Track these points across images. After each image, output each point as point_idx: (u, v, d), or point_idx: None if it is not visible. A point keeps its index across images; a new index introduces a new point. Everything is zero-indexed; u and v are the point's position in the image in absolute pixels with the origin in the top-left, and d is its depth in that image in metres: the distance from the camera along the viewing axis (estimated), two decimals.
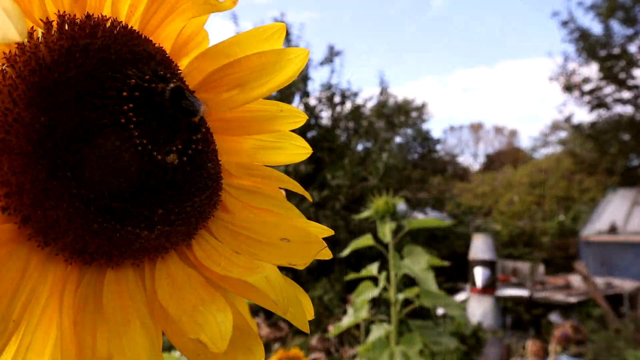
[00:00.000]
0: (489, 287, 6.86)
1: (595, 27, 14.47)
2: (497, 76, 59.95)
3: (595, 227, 9.85)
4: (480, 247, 7.01)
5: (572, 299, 7.20)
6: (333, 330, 2.49)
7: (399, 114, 11.16)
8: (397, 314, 2.51)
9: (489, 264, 6.87)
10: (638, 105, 14.57)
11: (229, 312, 0.28)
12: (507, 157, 26.67)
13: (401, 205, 10.45)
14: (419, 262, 2.35)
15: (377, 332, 2.42)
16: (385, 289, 2.45)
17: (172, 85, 0.32)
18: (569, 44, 14.62)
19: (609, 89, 14.68)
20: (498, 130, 32.44)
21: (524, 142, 48.87)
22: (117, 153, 0.30)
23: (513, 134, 32.32)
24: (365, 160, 8.54)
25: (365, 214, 2.57)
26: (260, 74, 0.40)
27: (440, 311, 7.31)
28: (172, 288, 0.31)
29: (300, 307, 0.32)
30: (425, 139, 13.00)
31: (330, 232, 0.41)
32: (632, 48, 14.47)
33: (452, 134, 31.95)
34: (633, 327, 6.69)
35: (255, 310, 4.36)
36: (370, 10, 60.56)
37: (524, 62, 61.55)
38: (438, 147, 18.23)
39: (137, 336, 0.27)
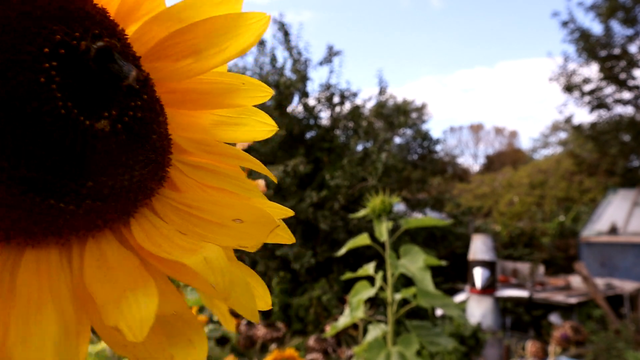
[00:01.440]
0: (489, 288, 6.82)
1: (596, 28, 14.48)
2: (497, 76, 60.00)
3: (596, 227, 9.82)
4: (479, 247, 6.97)
5: (572, 300, 7.16)
6: (329, 330, 2.46)
7: (398, 115, 11.13)
8: (394, 314, 2.47)
9: (488, 265, 6.83)
10: (638, 106, 14.55)
11: (155, 297, 0.24)
12: (507, 158, 26.63)
13: (400, 206, 10.41)
14: (415, 262, 2.32)
15: (374, 332, 2.38)
16: (382, 289, 2.41)
17: (100, 44, 0.28)
18: (569, 44, 14.59)
19: (609, 89, 14.67)
20: (498, 131, 32.43)
21: (524, 143, 48.89)
22: (37, 116, 0.26)
23: (513, 134, 32.29)
24: (365, 161, 8.51)
25: (362, 212, 2.54)
26: (217, 41, 0.36)
27: (439, 312, 7.28)
28: (101, 271, 0.27)
29: (247, 294, 0.28)
30: (424, 139, 12.96)
31: (290, 213, 0.37)
32: (632, 48, 14.46)
33: (452, 134, 31.94)
34: (633, 328, 6.66)
35: None
36: (369, 10, 60.62)
37: (523, 62, 61.60)
38: (438, 147, 18.19)
39: (47, 322, 0.23)
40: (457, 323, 6.42)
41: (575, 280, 8.19)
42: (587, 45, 14.32)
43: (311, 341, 3.97)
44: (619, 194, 10.77)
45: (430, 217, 2.65)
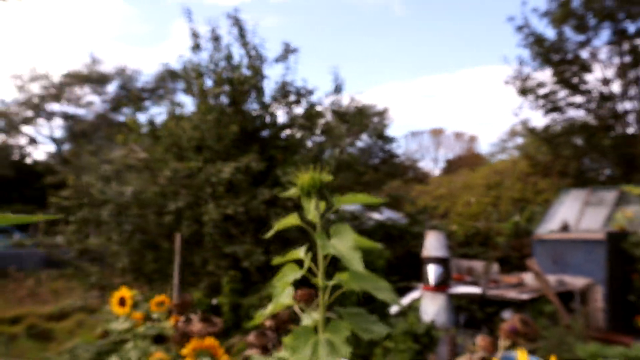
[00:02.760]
0: (442, 285, 6.75)
1: (549, 33, 14.78)
2: (458, 83, 61.03)
3: (549, 226, 9.93)
4: (432, 244, 6.90)
5: (525, 296, 7.17)
6: (255, 319, 2.28)
7: (360, 118, 11.07)
8: (326, 301, 2.29)
9: (441, 261, 6.76)
10: (590, 110, 14.93)
11: None
12: (466, 162, 27.01)
13: (357, 206, 10.32)
14: (345, 241, 2.16)
15: (307, 321, 2.22)
16: (312, 273, 2.23)
17: None
18: (523, 48, 14.87)
19: (562, 93, 15.00)
20: (458, 135, 32.92)
21: (484, 147, 49.84)
22: None
23: (473, 139, 32.84)
24: (319, 157, 8.37)
25: (291, 191, 2.37)
26: None
27: (394, 309, 7.18)
28: None
29: None
30: (380, 136, 12.93)
31: None
32: (584, 54, 14.85)
33: (413, 139, 32.24)
34: (583, 323, 6.72)
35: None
36: (331, 16, 60.84)
37: (484, 69, 62.96)
38: (399, 151, 18.27)
39: None
40: (410, 321, 6.33)
41: (529, 278, 8.24)
42: (541, 50, 14.63)
43: (251, 337, 3.79)
44: (571, 194, 10.95)
45: (362, 195, 2.45)
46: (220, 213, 7.47)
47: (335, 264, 2.18)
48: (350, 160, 9.20)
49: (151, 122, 9.67)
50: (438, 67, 63.43)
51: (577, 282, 7.81)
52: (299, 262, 2.42)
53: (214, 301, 7.31)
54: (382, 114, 22.90)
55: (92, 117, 28.29)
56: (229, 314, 6.80)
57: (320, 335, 2.22)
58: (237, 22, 9.59)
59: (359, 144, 13.82)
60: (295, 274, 2.34)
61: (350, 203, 2.46)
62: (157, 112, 10.60)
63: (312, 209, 2.36)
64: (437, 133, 32.61)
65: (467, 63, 63.67)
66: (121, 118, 26.56)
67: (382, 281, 2.37)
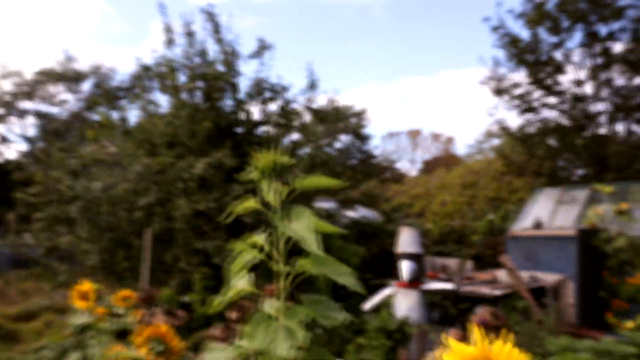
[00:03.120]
0: (415, 281, 6.74)
1: (524, 35, 14.94)
2: (437, 85, 61.52)
3: (523, 224, 10.03)
4: (406, 240, 6.88)
5: (497, 292, 7.20)
6: (215, 304, 2.20)
7: (336, 115, 11.01)
8: (287, 286, 2.22)
9: (415, 257, 6.75)
10: (563, 110, 15.14)
11: None
12: (443, 163, 27.19)
13: (331, 204, 10.27)
14: (303, 223, 2.08)
15: (268, 308, 2.13)
16: (273, 259, 2.15)
17: None
18: (499, 49, 15.02)
19: (536, 94, 15.19)
20: (435, 137, 33.15)
21: (460, 149, 50.31)
22: None
23: (450, 140, 33.10)
24: (294, 154, 8.30)
25: (251, 173, 2.29)
26: None
27: (367, 306, 7.14)
28: None
29: None
30: (354, 132, 12.90)
31: None
32: (557, 55, 15.05)
33: (391, 140, 32.35)
34: (555, 318, 6.76)
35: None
36: (312, 18, 60.87)
37: (463, 72, 63.64)
38: (376, 152, 18.26)
39: None
40: (382, 317, 6.29)
41: (502, 274, 8.28)
42: (516, 51, 14.79)
43: (216, 330, 3.69)
44: (545, 193, 11.08)
45: (324, 177, 2.37)
46: (191, 208, 7.35)
47: (299, 252, 2.08)
48: (326, 158, 9.15)
49: (123, 119, 9.50)
50: (417, 69, 63.95)
51: (549, 278, 7.87)
52: (261, 249, 2.33)
53: (185, 298, 7.19)
54: (360, 114, 22.91)
55: (66, 115, 27.75)
56: (200, 310, 6.68)
57: (279, 321, 2.14)
58: (212, 17, 9.47)
59: (337, 144, 13.81)
60: (251, 257, 2.25)
61: (311, 186, 2.39)
62: (131, 111, 10.36)
63: (270, 192, 2.29)
64: (414, 134, 32.81)
65: (446, 65, 64.28)
66: (96, 117, 26.10)
67: (342, 266, 2.29)
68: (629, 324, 6.82)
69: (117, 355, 2.49)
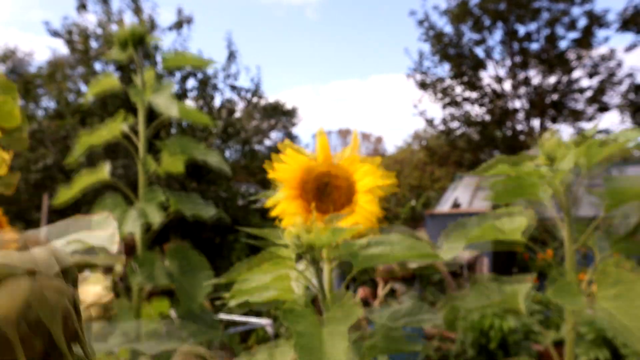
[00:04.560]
0: None
1: (448, 30, 15.34)
2: (369, 88, 62.66)
3: (442, 209, 10.19)
4: None
5: (413, 265, 7.19)
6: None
7: (267, 114, 10.81)
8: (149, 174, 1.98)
9: None
10: (483, 105, 15.65)
11: None
12: None
13: (254, 188, 10.02)
14: (165, 95, 1.82)
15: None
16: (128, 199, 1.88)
17: None
18: (424, 42, 15.33)
19: (459, 88, 15.61)
20: (365, 136, 33.59)
21: (390, 149, 51.36)
22: None
23: (379, 140, 33.65)
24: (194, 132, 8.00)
25: (113, 52, 2.01)
26: None
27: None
28: None
29: None
30: (287, 133, 12.80)
31: None
32: (479, 52, 15.56)
33: None
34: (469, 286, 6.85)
35: None
36: (241, 17, 60.29)
37: (394, 76, 65.17)
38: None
39: None
40: None
41: None
42: (440, 45, 15.14)
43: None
44: (464, 180, 11.31)
45: (193, 56, 2.14)
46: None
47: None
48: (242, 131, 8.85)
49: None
50: (350, 72, 64.80)
51: (464, 254, 7.99)
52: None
53: None
54: (291, 113, 22.78)
55: None
56: None
57: (138, 204, 1.84)
58: None
59: (267, 142, 13.60)
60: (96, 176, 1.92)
61: (180, 64, 2.09)
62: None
63: (137, 64, 1.97)
64: (344, 134, 33.11)
65: (378, 70, 65.63)
66: None
67: (199, 200, 2.02)
68: (538, 297, 7.04)
69: None
